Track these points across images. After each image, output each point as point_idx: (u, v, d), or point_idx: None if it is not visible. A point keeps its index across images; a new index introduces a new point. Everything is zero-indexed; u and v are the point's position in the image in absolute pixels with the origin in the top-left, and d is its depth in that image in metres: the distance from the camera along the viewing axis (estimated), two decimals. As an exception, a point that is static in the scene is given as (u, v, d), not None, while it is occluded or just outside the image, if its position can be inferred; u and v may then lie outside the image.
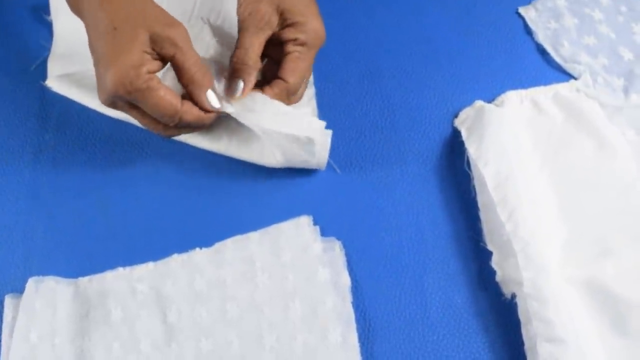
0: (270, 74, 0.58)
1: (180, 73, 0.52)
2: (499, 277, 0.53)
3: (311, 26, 0.56)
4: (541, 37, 0.67)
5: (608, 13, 0.68)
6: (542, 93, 0.62)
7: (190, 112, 0.53)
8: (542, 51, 0.66)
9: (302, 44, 0.56)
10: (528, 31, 0.68)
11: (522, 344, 0.50)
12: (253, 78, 0.55)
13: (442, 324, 0.53)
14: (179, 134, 0.57)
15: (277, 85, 0.56)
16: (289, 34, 0.56)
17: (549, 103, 0.62)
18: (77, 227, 0.59)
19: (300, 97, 0.60)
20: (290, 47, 0.56)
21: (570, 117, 0.61)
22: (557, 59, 0.65)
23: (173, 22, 0.52)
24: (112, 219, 0.59)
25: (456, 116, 0.63)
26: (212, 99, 0.54)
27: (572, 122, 0.60)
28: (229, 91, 0.55)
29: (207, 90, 0.53)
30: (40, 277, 0.55)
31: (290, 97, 0.58)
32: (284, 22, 0.56)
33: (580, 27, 0.67)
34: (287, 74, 0.56)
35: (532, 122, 0.61)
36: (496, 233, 0.54)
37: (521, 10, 0.69)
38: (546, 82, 0.63)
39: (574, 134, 0.60)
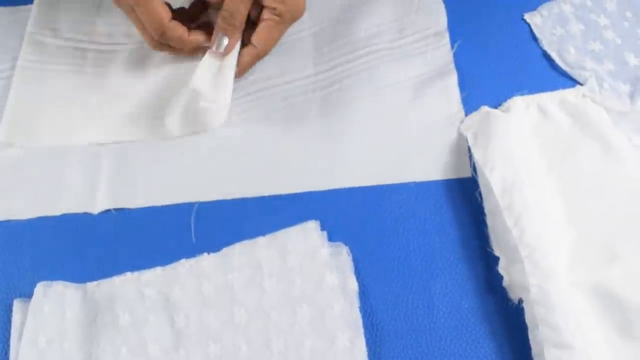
0: (245, 35, 0.63)
1: None
2: (505, 283, 0.53)
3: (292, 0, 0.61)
4: (546, 43, 0.67)
5: (614, 19, 0.69)
6: (548, 99, 0.62)
7: (174, 30, 0.60)
8: (548, 57, 0.66)
9: (279, 15, 0.61)
10: (534, 37, 0.68)
11: (529, 349, 0.50)
12: (238, 37, 0.62)
13: (449, 328, 0.53)
14: (164, 50, 0.65)
15: (248, 51, 0.63)
16: (269, 1, 0.61)
17: (555, 109, 0.62)
18: (85, 231, 0.59)
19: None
20: (267, 15, 0.62)
21: (577, 123, 0.61)
22: (563, 65, 0.65)
23: None
24: (120, 223, 0.60)
25: (462, 122, 0.63)
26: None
27: (579, 127, 0.60)
28: (214, 45, 0.62)
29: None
30: (49, 281, 0.55)
31: (256, 61, 0.65)
32: None
33: (585, 33, 0.68)
34: (258, 41, 0.63)
35: (538, 128, 0.61)
36: (503, 239, 0.54)
37: (527, 16, 0.69)
38: (552, 88, 0.63)
39: (581, 139, 0.60)
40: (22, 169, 0.63)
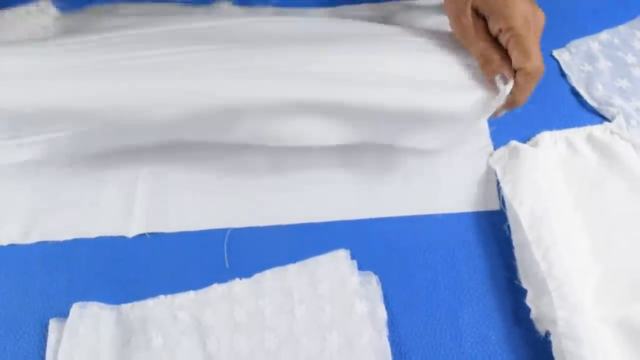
0: None
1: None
2: (533, 315, 0.54)
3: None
4: (575, 79, 0.68)
5: (641, 57, 0.70)
6: (576, 134, 0.64)
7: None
8: (576, 93, 0.68)
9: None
10: (562, 74, 0.69)
11: (556, 381, 0.51)
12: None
13: (477, 359, 0.53)
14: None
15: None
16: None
17: (583, 144, 0.63)
18: (120, 254, 0.60)
19: None
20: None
21: (604, 159, 0.62)
22: (591, 102, 0.67)
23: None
24: (154, 247, 0.61)
25: (491, 155, 0.64)
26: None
27: (606, 163, 0.61)
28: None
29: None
30: (84, 302, 0.56)
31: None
32: None
33: (613, 70, 0.69)
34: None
35: (566, 163, 0.62)
36: (531, 271, 0.55)
37: (555, 53, 0.71)
38: (580, 124, 0.65)
39: (608, 175, 0.61)
40: (59, 192, 0.65)
